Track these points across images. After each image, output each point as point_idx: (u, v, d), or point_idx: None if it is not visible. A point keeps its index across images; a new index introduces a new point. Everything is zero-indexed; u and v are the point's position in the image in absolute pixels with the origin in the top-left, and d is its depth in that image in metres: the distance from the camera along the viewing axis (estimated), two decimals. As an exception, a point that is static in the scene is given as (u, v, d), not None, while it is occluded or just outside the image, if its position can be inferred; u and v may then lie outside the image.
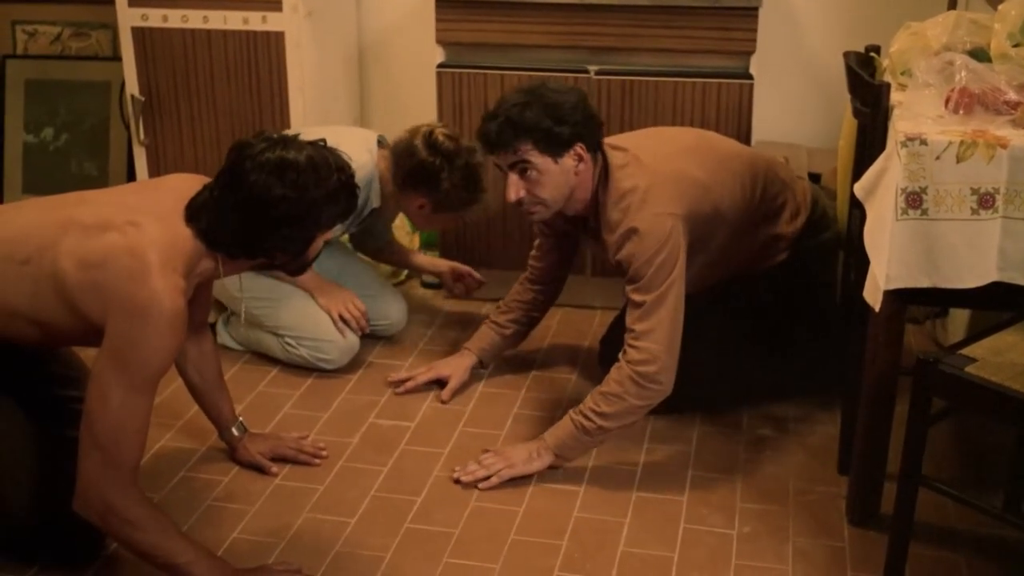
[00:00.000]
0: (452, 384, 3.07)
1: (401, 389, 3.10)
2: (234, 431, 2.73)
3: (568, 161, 2.65)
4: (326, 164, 2.23)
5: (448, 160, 3.03)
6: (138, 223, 2.14)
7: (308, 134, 2.89)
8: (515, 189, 2.68)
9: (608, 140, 2.86)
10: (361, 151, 3.09)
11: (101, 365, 2.09)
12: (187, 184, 2.31)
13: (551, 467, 2.69)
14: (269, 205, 2.16)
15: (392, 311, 3.38)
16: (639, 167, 2.69)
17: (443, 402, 3.05)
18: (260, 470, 2.72)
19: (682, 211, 2.63)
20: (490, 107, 3.38)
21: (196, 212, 2.21)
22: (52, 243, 2.15)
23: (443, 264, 3.51)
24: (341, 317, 3.15)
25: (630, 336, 2.62)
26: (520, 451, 2.71)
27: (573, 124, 2.63)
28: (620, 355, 2.64)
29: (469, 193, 3.07)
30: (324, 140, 2.31)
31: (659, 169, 2.68)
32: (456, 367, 3.11)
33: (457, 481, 2.68)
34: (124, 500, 2.11)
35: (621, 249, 2.64)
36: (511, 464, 2.68)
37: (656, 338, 2.58)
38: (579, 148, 2.65)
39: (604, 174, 2.71)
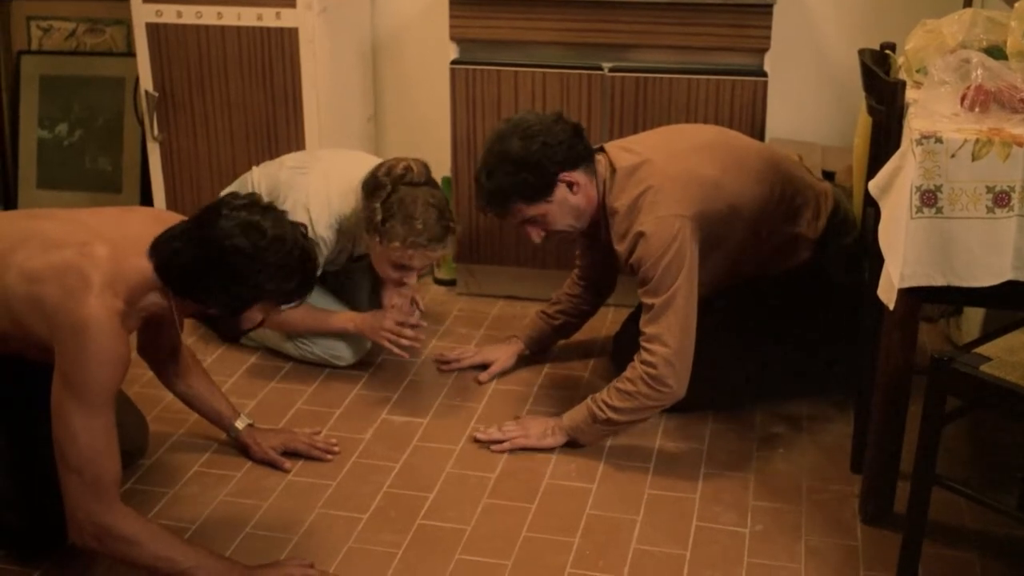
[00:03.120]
0: (494, 368, 3.13)
1: (446, 368, 3.17)
2: (238, 425, 2.74)
3: (560, 193, 2.71)
4: (292, 244, 2.22)
5: (371, 198, 2.93)
6: (91, 245, 2.16)
7: (323, 157, 2.88)
8: (535, 235, 2.80)
9: (622, 142, 2.87)
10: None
11: (56, 393, 2.12)
12: (157, 218, 2.34)
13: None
14: (223, 252, 2.15)
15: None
16: (649, 169, 2.70)
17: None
18: (274, 466, 2.72)
19: (690, 211, 2.64)
20: (503, 105, 3.42)
21: (161, 243, 2.21)
22: (8, 252, 2.18)
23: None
24: (391, 342, 3.06)
25: (642, 338, 2.66)
26: (538, 425, 2.80)
27: (545, 165, 2.68)
28: (636, 355, 2.66)
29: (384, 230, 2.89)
30: (305, 228, 2.32)
31: (667, 170, 2.69)
32: (502, 353, 3.16)
33: (476, 439, 2.81)
34: (114, 518, 2.13)
35: (631, 255, 2.67)
36: (526, 435, 2.78)
37: (666, 341, 2.61)
38: (563, 178, 2.70)
39: (611, 178, 2.73)
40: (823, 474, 2.70)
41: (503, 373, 3.15)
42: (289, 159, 3.24)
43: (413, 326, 3.08)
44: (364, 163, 3.11)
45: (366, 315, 3.12)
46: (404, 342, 3.05)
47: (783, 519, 2.53)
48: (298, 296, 2.30)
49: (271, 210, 2.26)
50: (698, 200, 2.67)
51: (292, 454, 2.76)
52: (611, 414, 2.67)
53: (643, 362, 2.64)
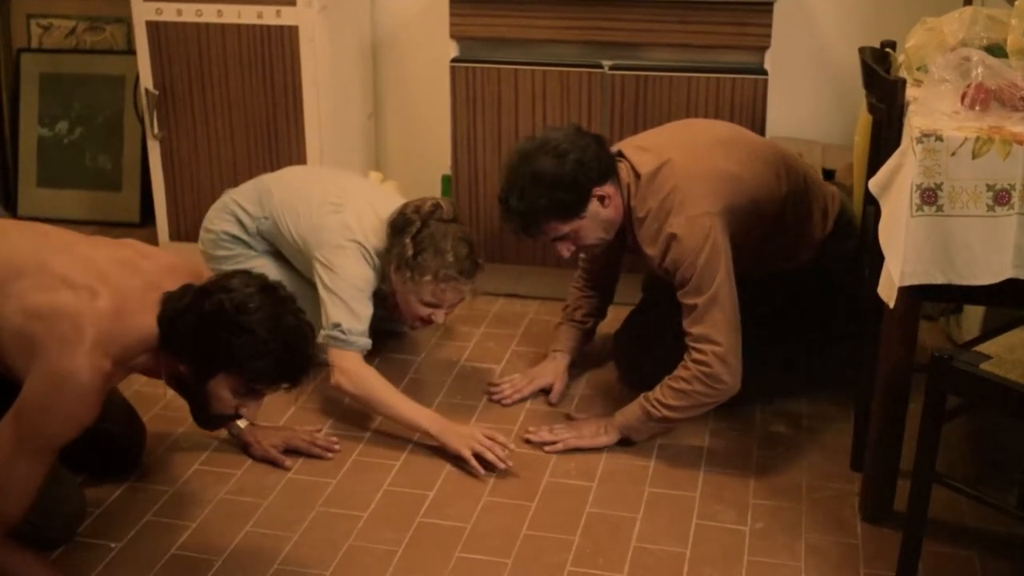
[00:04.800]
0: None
1: (508, 401, 3.02)
2: (239, 423, 2.73)
3: (592, 208, 2.69)
4: (281, 324, 2.16)
5: (400, 234, 2.88)
6: (96, 292, 2.14)
7: (354, 191, 2.98)
8: (564, 251, 2.76)
9: (637, 141, 2.84)
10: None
11: (4, 420, 2.10)
12: (172, 268, 2.32)
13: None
14: (209, 305, 2.13)
15: None
16: (670, 169, 2.69)
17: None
18: (274, 464, 2.72)
19: (718, 208, 2.65)
20: (503, 103, 3.41)
21: (171, 298, 2.20)
22: (13, 279, 2.14)
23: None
24: (477, 455, 2.71)
25: (689, 339, 2.65)
26: (589, 425, 2.80)
27: (580, 182, 2.65)
28: (686, 354, 2.66)
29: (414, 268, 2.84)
30: (312, 329, 2.26)
31: (691, 168, 2.69)
32: (556, 373, 3.08)
33: (528, 440, 2.80)
34: None
35: (665, 257, 2.67)
36: (579, 436, 2.78)
37: (716, 339, 2.62)
38: (596, 192, 2.68)
39: (634, 183, 2.72)
40: (823, 472, 2.70)
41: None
42: (315, 192, 3.07)
43: (502, 445, 2.76)
44: (393, 201, 3.05)
45: (448, 422, 2.83)
46: (490, 456, 2.70)
47: (783, 517, 2.53)
48: (270, 381, 2.20)
49: (277, 292, 2.21)
50: (724, 195, 2.68)
51: (292, 452, 2.76)
52: (667, 412, 2.68)
53: (696, 361, 2.63)
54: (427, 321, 2.96)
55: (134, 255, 2.34)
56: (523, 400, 3.03)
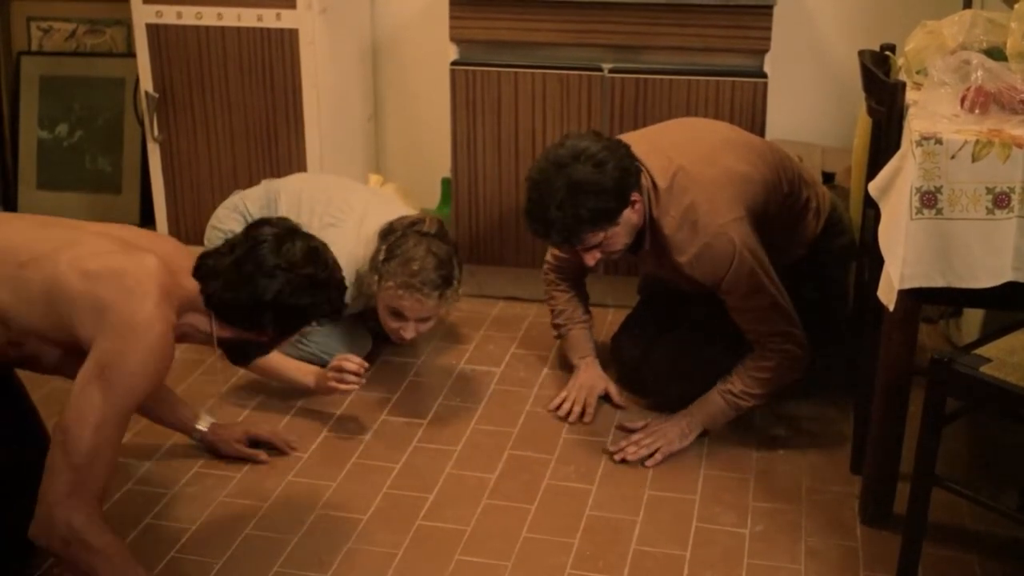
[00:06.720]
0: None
1: (588, 419, 2.94)
2: (201, 427, 2.73)
3: (626, 214, 2.65)
4: (333, 263, 2.34)
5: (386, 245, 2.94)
6: (142, 253, 2.14)
7: (357, 206, 3.04)
8: (591, 259, 2.70)
9: (636, 142, 2.79)
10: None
11: (85, 384, 2.04)
12: (178, 245, 2.36)
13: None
14: (270, 284, 2.20)
15: None
16: (686, 177, 2.69)
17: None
18: (249, 460, 2.73)
19: (742, 211, 2.68)
20: (503, 105, 3.40)
21: (206, 273, 2.22)
22: (54, 251, 2.12)
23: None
24: (337, 382, 2.87)
25: (757, 335, 2.72)
26: (673, 428, 2.80)
27: (623, 188, 2.62)
28: (758, 347, 2.73)
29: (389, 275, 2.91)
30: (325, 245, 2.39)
31: (707, 174, 2.69)
32: (602, 377, 3.06)
33: (623, 460, 2.74)
34: (91, 526, 2.04)
35: (701, 267, 2.67)
36: (670, 442, 2.78)
37: (789, 328, 2.70)
38: (631, 198, 2.65)
39: (653, 190, 2.70)
40: (823, 475, 2.71)
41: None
42: (318, 205, 3.12)
43: (356, 372, 2.87)
44: (394, 214, 3.08)
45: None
46: (350, 379, 2.85)
47: (783, 520, 2.53)
48: (338, 313, 2.39)
49: (304, 235, 2.31)
50: (744, 198, 2.70)
51: (257, 442, 2.77)
52: (755, 401, 2.77)
53: (776, 351, 2.71)
54: (399, 336, 2.98)
55: (139, 234, 2.36)
56: (592, 413, 2.97)
